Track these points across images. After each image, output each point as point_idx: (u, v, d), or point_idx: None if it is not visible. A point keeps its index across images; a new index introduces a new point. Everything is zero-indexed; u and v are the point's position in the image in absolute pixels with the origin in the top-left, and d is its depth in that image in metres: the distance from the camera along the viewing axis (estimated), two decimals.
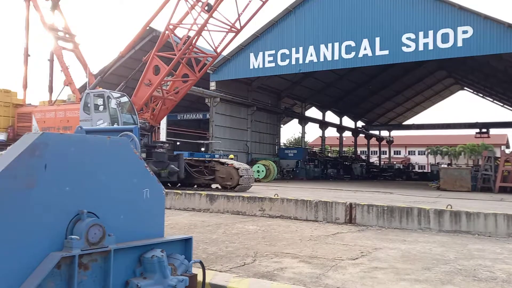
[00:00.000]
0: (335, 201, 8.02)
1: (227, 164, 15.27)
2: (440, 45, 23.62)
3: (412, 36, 24.40)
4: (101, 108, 15.13)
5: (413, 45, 24.39)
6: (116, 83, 19.42)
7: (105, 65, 20.46)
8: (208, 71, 24.46)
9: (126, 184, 3.09)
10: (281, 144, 41.63)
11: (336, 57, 26.66)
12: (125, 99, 15.68)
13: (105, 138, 3.05)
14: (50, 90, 18.33)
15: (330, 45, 26.84)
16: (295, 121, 47.00)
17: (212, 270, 3.90)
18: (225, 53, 23.11)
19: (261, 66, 29.12)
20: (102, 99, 15.23)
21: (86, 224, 2.70)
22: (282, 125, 42.92)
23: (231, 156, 18.70)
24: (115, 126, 13.34)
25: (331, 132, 51.38)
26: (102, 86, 17.22)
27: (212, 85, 30.26)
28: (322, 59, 27.15)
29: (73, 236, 2.63)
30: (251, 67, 29.33)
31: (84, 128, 3.97)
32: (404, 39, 24.61)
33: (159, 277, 2.98)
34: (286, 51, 28.22)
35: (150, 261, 2.99)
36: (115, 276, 2.78)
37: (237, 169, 14.90)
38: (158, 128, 18.25)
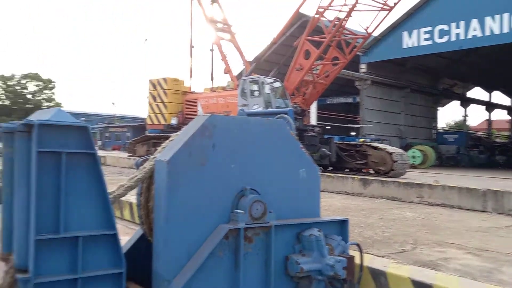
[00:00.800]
0: (508, 191, 7.13)
1: (380, 149, 14.74)
2: None
3: None
4: (256, 93, 15.94)
5: None
6: (269, 69, 20.17)
7: (259, 53, 21.36)
8: (358, 53, 23.78)
9: (284, 164, 3.18)
10: (438, 128, 38.56)
11: (506, 29, 23.39)
12: (278, 84, 16.23)
13: (265, 120, 3.18)
14: (212, 77, 19.95)
15: (497, 16, 23.64)
16: (454, 103, 42.97)
17: (369, 254, 3.81)
18: (375, 33, 22.12)
19: (415, 44, 27.17)
20: (257, 85, 16.01)
21: (250, 200, 2.86)
22: (439, 108, 39.66)
23: (361, 140, 17.92)
24: (271, 109, 13.91)
25: (500, 114, 45.74)
26: (256, 72, 18.06)
27: (363, 67, 29.34)
28: (488, 33, 24.11)
29: (238, 210, 2.82)
30: (404, 46, 27.56)
31: (245, 111, 4.22)
32: None
33: (317, 255, 3.02)
34: (445, 27, 25.77)
35: (308, 239, 3.04)
36: (275, 250, 2.90)
37: (391, 153, 14.25)
38: (309, 112, 18.48)
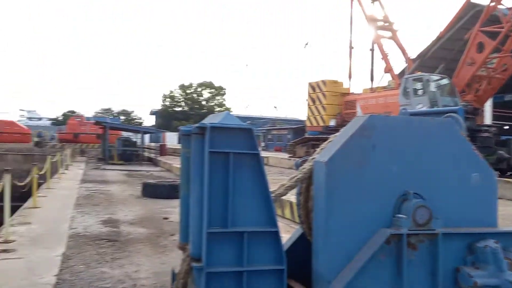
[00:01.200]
0: None
1: None
2: None
3: None
4: (420, 92, 15.05)
5: None
6: (434, 66, 18.84)
7: (423, 49, 20.09)
8: None
9: (453, 167, 2.93)
10: None
11: None
12: (445, 81, 15.09)
13: (430, 120, 2.97)
14: (371, 78, 19.47)
15: None
16: None
17: None
18: None
19: None
20: (420, 83, 15.12)
21: (413, 204, 2.70)
22: None
23: None
24: (437, 108, 13.00)
25: None
26: (420, 70, 17.04)
27: None
28: None
29: (400, 215, 2.68)
30: None
31: (408, 110, 4.01)
32: None
33: (494, 269, 2.70)
34: None
35: (483, 250, 2.74)
36: (443, 260, 2.69)
37: None
38: (482, 110, 16.72)
